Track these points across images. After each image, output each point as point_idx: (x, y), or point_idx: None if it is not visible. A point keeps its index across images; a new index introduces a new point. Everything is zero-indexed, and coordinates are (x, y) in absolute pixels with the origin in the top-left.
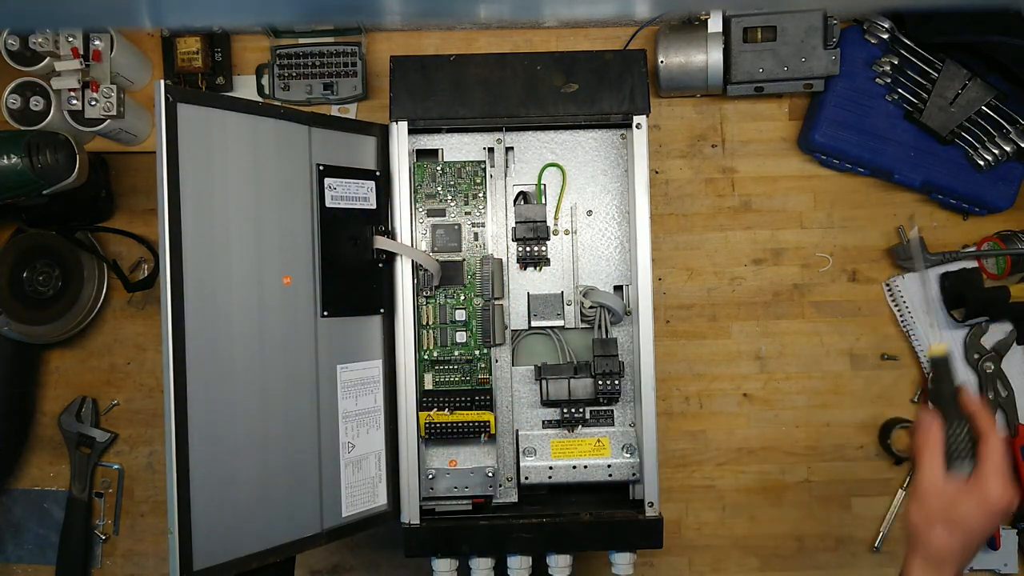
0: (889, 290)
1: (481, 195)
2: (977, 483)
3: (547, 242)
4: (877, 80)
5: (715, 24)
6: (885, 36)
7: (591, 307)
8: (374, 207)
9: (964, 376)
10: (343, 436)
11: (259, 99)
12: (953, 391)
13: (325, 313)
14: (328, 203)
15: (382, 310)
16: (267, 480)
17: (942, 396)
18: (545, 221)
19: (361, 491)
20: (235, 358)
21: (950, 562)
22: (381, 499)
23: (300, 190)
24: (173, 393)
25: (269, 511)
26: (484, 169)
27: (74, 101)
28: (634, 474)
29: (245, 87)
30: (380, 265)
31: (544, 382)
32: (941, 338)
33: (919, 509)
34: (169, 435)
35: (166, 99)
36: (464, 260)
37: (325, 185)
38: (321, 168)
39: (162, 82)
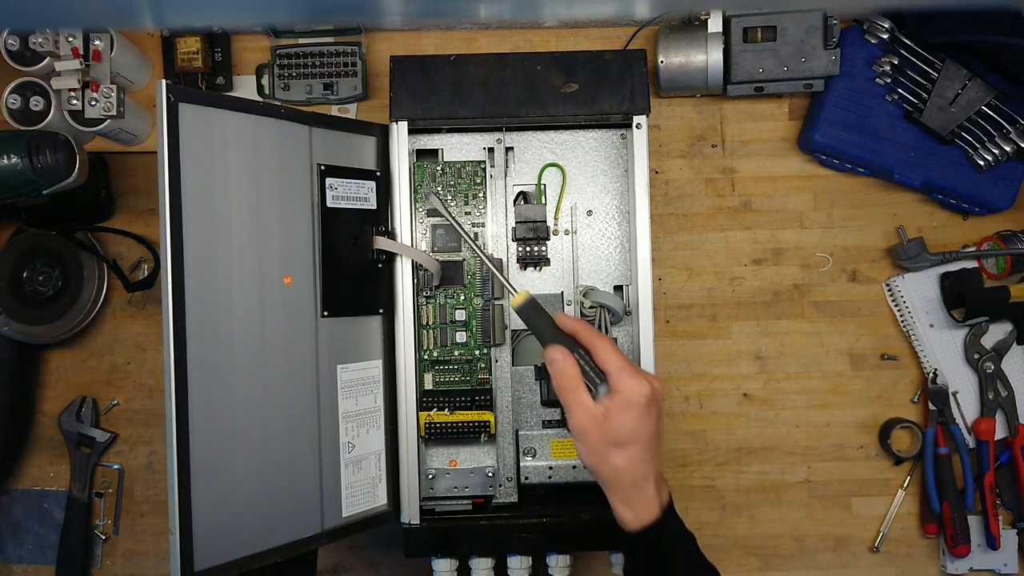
0: (889, 290)
1: (481, 195)
2: (615, 392)
3: (547, 242)
4: (877, 80)
5: (715, 24)
6: (885, 36)
7: (591, 307)
8: (374, 207)
9: (963, 375)
10: (343, 436)
11: (259, 99)
12: (551, 324)
13: (325, 313)
14: (329, 203)
15: (381, 310)
16: (268, 480)
17: (547, 334)
18: (545, 221)
19: (361, 491)
20: (236, 358)
21: (642, 474)
22: (381, 499)
23: (301, 190)
24: (174, 393)
25: (270, 511)
26: (484, 169)
27: (74, 101)
28: None
29: (245, 87)
30: (379, 265)
31: (544, 382)
32: (515, 292)
33: (586, 447)
34: (170, 435)
35: (167, 99)
36: (464, 260)
37: (326, 185)
38: (322, 168)
39: (163, 81)
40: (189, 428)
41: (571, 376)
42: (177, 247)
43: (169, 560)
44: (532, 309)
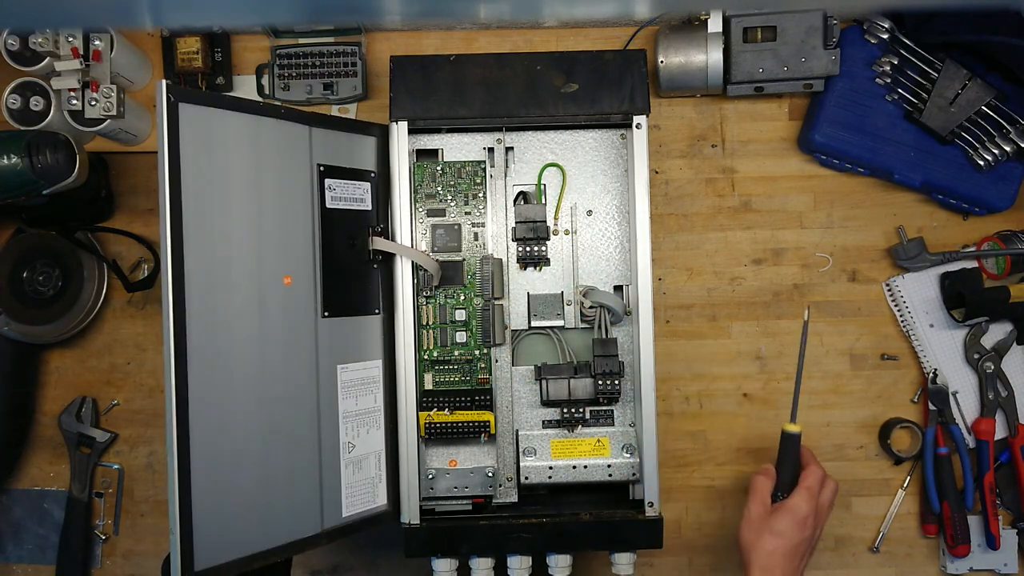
0: (889, 290)
1: (481, 195)
2: (789, 500)
3: (547, 242)
4: (877, 80)
5: (715, 24)
6: (885, 36)
7: (591, 307)
8: (369, 208)
9: (964, 375)
10: (343, 436)
11: (259, 99)
12: (796, 462)
13: (326, 313)
14: (328, 204)
15: (377, 310)
16: (267, 480)
17: (788, 464)
18: (545, 221)
19: (361, 491)
20: (236, 358)
21: (776, 565)
22: (381, 499)
23: (301, 190)
24: (174, 393)
25: (269, 511)
26: (484, 169)
27: (74, 101)
28: (634, 474)
29: (245, 87)
30: (375, 266)
31: (544, 382)
32: (794, 421)
33: (748, 528)
34: (170, 435)
35: (167, 99)
36: (464, 260)
37: (325, 186)
38: (322, 168)
39: (163, 82)
40: (189, 428)
41: (763, 479)
42: (177, 247)
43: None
44: (794, 444)
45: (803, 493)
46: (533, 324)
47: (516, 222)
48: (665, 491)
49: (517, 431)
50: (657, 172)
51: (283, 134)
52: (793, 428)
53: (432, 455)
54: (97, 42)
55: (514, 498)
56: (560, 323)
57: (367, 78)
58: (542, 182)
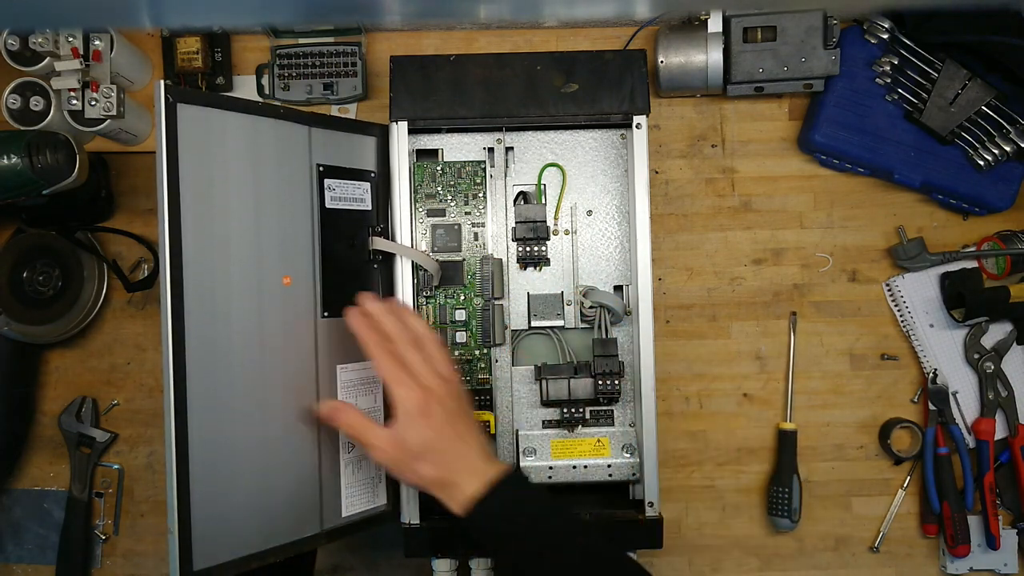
0: (889, 290)
1: (481, 195)
2: (394, 406)
3: (547, 242)
4: (877, 80)
5: (715, 24)
6: (885, 36)
7: (591, 307)
8: (369, 208)
9: (964, 375)
10: (343, 436)
11: (259, 99)
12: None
13: (326, 314)
14: (328, 204)
15: None
16: (267, 480)
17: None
18: (545, 221)
19: (361, 491)
20: (235, 358)
21: (455, 470)
22: (381, 499)
23: (300, 190)
24: (173, 393)
25: (269, 511)
26: (484, 169)
27: (74, 101)
28: (634, 474)
29: (245, 87)
30: (375, 266)
31: (544, 382)
32: None
33: (399, 471)
34: (169, 435)
35: (166, 99)
36: (464, 260)
37: (325, 186)
38: (321, 168)
39: (162, 82)
40: (188, 428)
41: (354, 416)
42: (176, 248)
43: (168, 560)
44: None
45: (395, 383)
46: (533, 324)
47: (516, 222)
48: (665, 491)
49: (517, 431)
50: (657, 172)
51: (282, 134)
52: (788, 427)
53: None
54: (97, 42)
55: None
56: (560, 323)
57: (367, 78)
58: (542, 182)
